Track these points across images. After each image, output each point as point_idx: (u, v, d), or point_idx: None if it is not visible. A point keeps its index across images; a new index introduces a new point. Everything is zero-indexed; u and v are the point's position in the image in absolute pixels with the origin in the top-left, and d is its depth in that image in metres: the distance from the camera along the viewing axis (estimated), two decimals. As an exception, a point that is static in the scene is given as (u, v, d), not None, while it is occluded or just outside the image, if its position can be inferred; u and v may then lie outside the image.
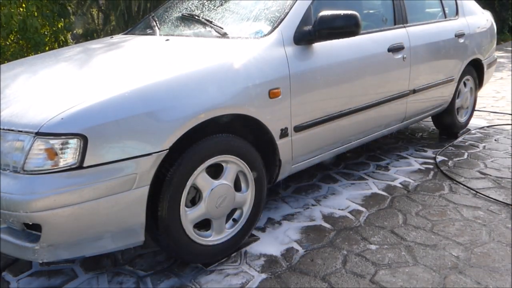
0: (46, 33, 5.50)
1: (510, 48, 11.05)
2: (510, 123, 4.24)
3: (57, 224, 1.51)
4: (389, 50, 2.75)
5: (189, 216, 1.83)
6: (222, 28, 2.33)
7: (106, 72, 1.97)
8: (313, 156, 2.43)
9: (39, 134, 1.49)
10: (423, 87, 3.13)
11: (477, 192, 2.68)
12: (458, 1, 3.70)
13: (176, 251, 1.84)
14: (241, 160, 1.97)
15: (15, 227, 1.59)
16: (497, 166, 3.11)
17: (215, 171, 1.93)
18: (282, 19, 2.23)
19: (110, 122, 1.56)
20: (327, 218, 2.40)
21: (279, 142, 2.14)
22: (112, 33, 7.64)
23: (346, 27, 2.19)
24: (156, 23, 2.79)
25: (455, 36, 3.44)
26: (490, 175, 2.95)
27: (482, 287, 1.79)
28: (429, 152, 3.47)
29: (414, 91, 3.05)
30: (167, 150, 1.68)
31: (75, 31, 7.52)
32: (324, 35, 2.21)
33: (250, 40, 2.17)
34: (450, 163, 3.22)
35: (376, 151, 3.52)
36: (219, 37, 2.29)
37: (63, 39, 5.71)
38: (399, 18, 2.98)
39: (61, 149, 1.49)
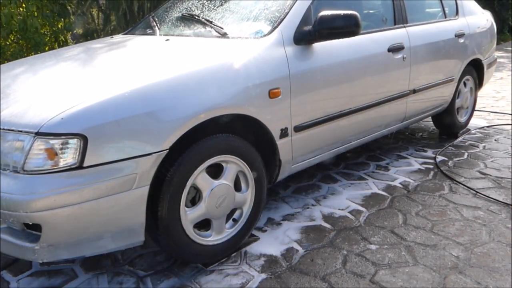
0: (46, 33, 5.49)
1: (510, 48, 11.05)
2: (510, 123, 4.24)
3: (57, 224, 1.51)
4: (389, 50, 2.75)
5: (189, 216, 1.83)
6: (222, 28, 2.33)
7: (106, 72, 1.97)
8: (313, 156, 2.43)
9: (39, 134, 1.49)
10: (423, 87, 3.13)
11: (477, 192, 2.68)
12: (458, 1, 3.70)
13: (176, 251, 1.84)
14: (241, 160, 1.97)
15: (15, 227, 1.59)
16: (497, 166, 3.11)
17: (215, 171, 1.93)
18: (282, 19, 2.23)
19: (110, 122, 1.56)
20: (327, 218, 2.40)
21: (279, 142, 2.14)
22: (112, 33, 7.64)
23: (346, 27, 2.19)
24: (156, 23, 2.79)
25: (455, 36, 3.44)
26: (490, 175, 2.95)
27: (482, 287, 1.79)
28: (429, 152, 3.47)
29: (414, 91, 3.05)
30: (167, 150, 1.68)
31: (75, 31, 7.51)
32: (324, 35, 2.21)
33: (250, 40, 2.17)
34: (450, 163, 3.22)
35: (376, 151, 3.52)
36: (219, 37, 2.29)
37: (63, 39, 5.70)
38: (399, 18, 2.98)
39: (61, 149, 1.49)
